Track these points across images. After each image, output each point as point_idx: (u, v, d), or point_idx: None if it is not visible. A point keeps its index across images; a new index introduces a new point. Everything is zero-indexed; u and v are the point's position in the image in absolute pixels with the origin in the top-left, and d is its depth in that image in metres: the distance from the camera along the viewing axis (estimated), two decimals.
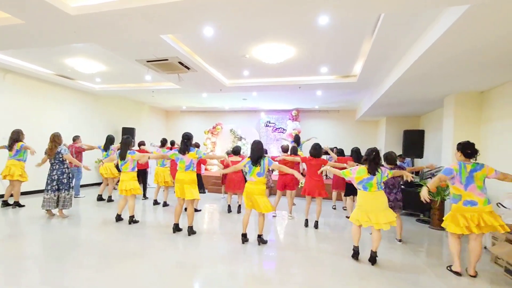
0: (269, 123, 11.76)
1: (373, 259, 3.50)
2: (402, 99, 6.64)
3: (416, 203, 6.11)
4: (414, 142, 7.53)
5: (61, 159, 5.10)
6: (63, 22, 3.75)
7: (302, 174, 6.17)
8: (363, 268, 3.42)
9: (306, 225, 5.28)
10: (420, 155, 7.53)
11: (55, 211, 5.33)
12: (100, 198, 6.96)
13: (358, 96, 8.55)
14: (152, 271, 3.14)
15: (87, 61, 6.19)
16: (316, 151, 5.24)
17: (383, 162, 4.38)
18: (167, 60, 5.42)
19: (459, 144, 3.41)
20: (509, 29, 3.04)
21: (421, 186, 5.66)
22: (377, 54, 4.72)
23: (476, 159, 3.35)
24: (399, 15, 3.48)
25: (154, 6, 3.24)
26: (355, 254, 3.65)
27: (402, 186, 6.32)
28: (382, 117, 9.88)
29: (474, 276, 3.27)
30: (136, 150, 5.68)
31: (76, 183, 7.18)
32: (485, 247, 4.27)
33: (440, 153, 6.40)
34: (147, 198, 7.38)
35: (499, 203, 4.40)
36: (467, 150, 3.30)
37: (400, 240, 4.46)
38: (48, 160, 5.20)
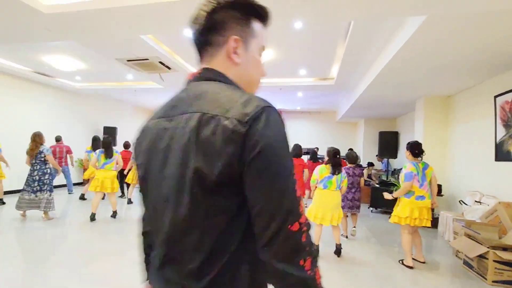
0: None
1: (338, 251, 3.69)
2: (377, 102, 6.92)
3: (388, 202, 6.40)
4: (388, 143, 7.84)
5: (42, 159, 4.88)
6: (34, 20, 3.63)
7: None
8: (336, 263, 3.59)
9: None
10: (394, 156, 7.85)
11: (29, 212, 5.04)
12: (82, 197, 6.87)
13: (338, 98, 8.79)
14: (132, 269, 3.13)
15: (66, 59, 6.06)
16: (296, 151, 5.40)
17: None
18: (147, 59, 5.44)
19: (408, 144, 3.61)
20: (462, 41, 3.30)
21: (394, 185, 5.90)
22: (351, 58, 4.92)
23: (422, 159, 3.55)
24: (368, 22, 3.67)
25: (131, 7, 3.27)
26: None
27: (369, 185, 6.65)
28: (360, 119, 10.21)
29: (424, 262, 3.56)
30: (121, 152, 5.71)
31: (68, 181, 7.47)
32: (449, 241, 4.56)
33: None
34: (125, 196, 7.38)
35: (461, 201, 4.70)
36: (415, 150, 3.51)
37: (346, 237, 4.54)
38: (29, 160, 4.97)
